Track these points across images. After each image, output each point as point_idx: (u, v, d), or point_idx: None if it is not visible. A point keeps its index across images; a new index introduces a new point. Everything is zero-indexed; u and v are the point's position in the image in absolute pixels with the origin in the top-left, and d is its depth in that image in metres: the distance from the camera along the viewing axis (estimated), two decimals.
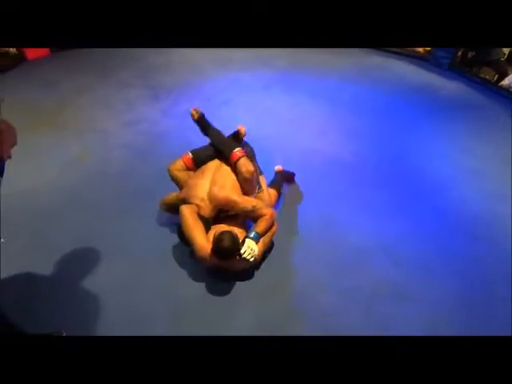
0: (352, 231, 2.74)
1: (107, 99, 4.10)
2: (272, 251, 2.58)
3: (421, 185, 3.17)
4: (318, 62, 4.79)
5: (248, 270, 2.43)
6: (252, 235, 2.34)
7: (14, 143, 1.95)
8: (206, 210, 2.38)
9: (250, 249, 2.29)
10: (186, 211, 2.36)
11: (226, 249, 2.16)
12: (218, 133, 2.67)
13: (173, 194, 2.61)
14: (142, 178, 3.13)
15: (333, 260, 2.55)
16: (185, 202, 2.42)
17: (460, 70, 4.72)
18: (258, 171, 2.70)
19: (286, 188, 3.03)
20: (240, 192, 2.48)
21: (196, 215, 2.36)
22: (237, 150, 2.52)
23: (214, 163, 2.58)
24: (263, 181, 2.74)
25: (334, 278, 2.45)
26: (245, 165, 2.46)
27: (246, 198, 2.47)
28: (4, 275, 2.29)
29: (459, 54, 4.76)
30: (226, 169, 2.54)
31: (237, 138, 2.71)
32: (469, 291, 2.40)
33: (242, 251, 2.27)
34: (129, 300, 2.30)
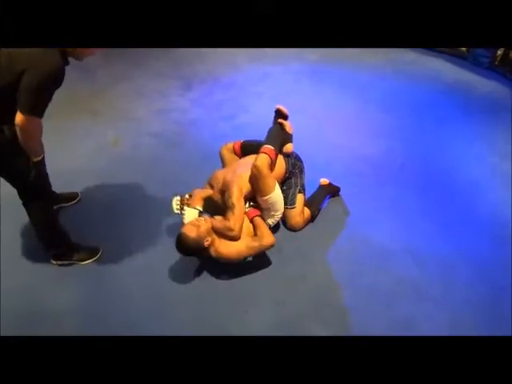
0: (376, 230, 2.72)
1: (141, 88, 4.19)
2: (293, 246, 2.60)
3: (451, 186, 3.09)
4: (349, 56, 4.69)
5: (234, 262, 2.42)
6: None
7: None
8: (216, 194, 2.49)
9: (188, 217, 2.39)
10: (195, 192, 2.51)
11: (177, 247, 2.29)
12: (276, 130, 2.64)
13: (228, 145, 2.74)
14: (169, 166, 3.20)
15: (355, 258, 2.54)
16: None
17: (500, 69, 4.53)
18: (298, 188, 2.65)
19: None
20: (247, 190, 2.40)
21: (202, 200, 2.48)
22: (268, 147, 2.44)
23: (252, 158, 2.48)
24: (301, 200, 2.66)
25: (355, 275, 2.45)
26: (258, 159, 2.35)
27: (241, 201, 2.36)
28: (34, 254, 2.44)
29: (500, 52, 4.57)
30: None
31: (281, 116, 2.69)
32: (495, 297, 2.34)
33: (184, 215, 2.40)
34: (152, 284, 2.39)
